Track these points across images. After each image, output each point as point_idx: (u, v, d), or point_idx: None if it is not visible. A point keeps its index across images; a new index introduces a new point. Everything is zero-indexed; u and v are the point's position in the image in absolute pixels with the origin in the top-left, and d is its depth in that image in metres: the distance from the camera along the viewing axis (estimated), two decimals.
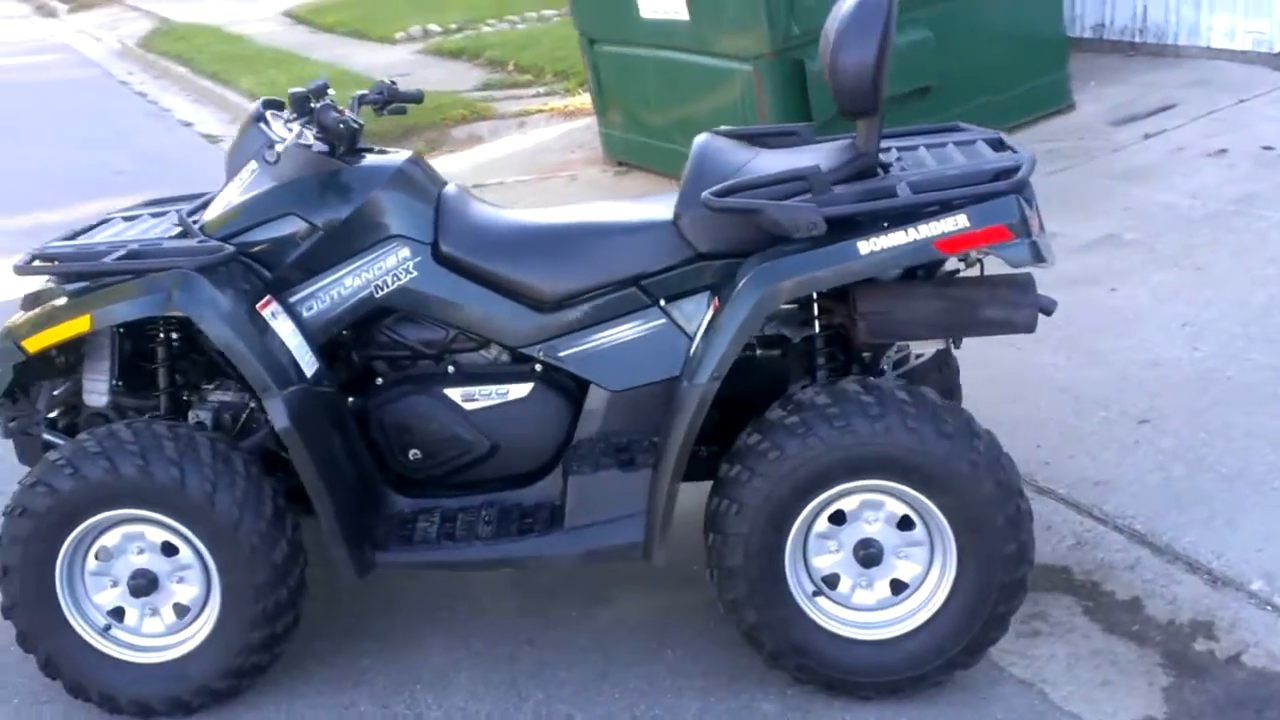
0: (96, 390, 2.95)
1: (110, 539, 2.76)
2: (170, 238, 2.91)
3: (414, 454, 2.95)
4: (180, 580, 2.78)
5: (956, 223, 2.55)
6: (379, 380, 3.01)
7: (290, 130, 2.93)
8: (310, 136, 2.87)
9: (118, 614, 2.82)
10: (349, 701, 2.89)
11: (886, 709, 2.77)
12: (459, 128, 8.63)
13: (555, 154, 7.69)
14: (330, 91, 3.00)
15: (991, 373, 4.12)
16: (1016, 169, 2.67)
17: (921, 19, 5.95)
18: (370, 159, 2.99)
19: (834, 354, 2.94)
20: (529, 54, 10.67)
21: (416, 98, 3.36)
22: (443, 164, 7.84)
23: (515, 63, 10.52)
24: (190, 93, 11.91)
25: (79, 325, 2.72)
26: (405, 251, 2.88)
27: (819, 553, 2.74)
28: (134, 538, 2.75)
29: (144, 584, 2.77)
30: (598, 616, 3.15)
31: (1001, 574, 2.66)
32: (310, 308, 2.89)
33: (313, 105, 2.89)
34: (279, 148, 2.86)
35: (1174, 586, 3.10)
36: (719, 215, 2.70)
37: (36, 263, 2.84)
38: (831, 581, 2.76)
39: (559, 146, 7.78)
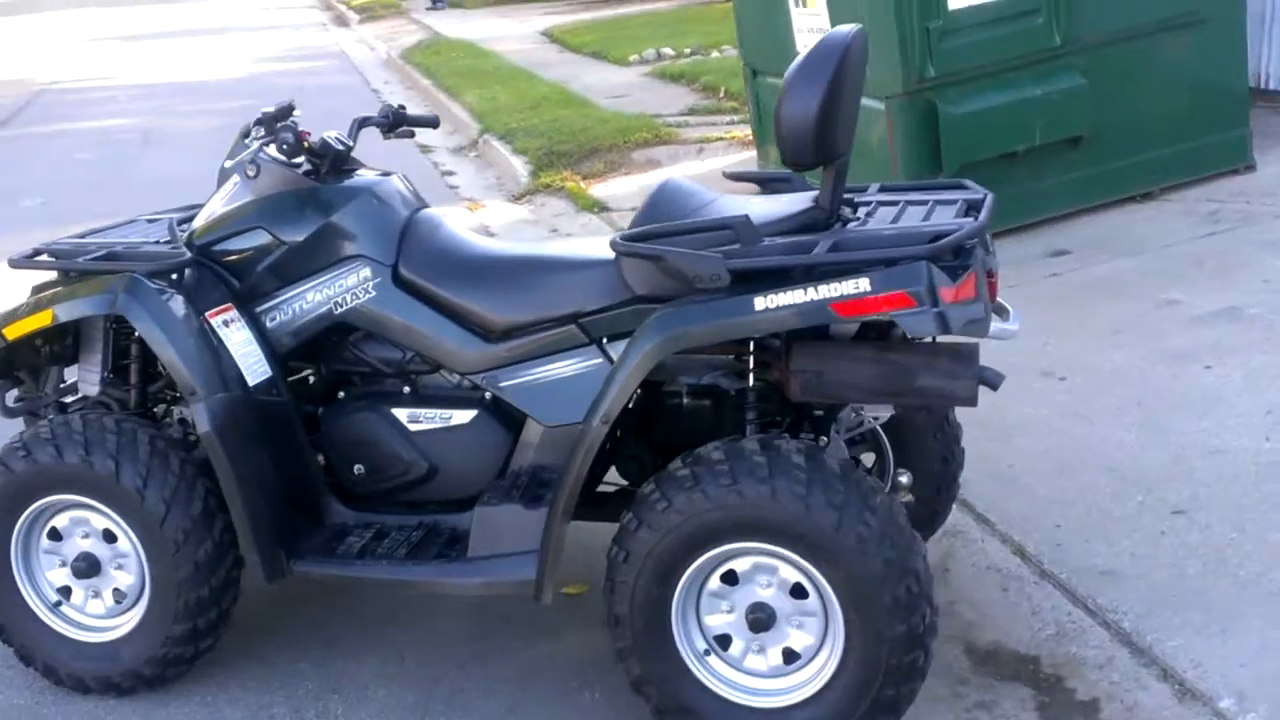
0: (89, 380, 3.17)
1: (60, 521, 2.96)
2: (153, 243, 3.09)
3: (358, 469, 3.03)
4: (119, 567, 2.95)
5: (857, 286, 2.43)
6: (340, 394, 3.11)
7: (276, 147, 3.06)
8: (290, 155, 2.98)
9: (66, 592, 3.01)
10: (268, 703, 2.99)
11: None
12: (640, 150, 8.75)
13: (715, 184, 7.66)
14: (296, 112, 3.11)
15: (1051, 444, 3.92)
16: (973, 234, 2.53)
17: (1075, 65, 5.66)
18: (351, 179, 3.09)
19: (767, 409, 2.85)
20: (738, 82, 10.69)
21: (430, 122, 3.46)
22: (610, 186, 8.01)
23: (726, 89, 10.56)
24: (427, 104, 12.50)
25: (43, 319, 2.93)
26: (366, 271, 2.97)
27: (711, 611, 2.67)
28: (80, 522, 2.94)
29: (85, 567, 2.95)
30: (537, 648, 3.14)
31: (889, 656, 2.51)
32: (274, 319, 3.02)
33: (277, 126, 3.01)
34: (258, 162, 3.01)
35: (1138, 693, 2.86)
36: (647, 259, 2.66)
37: (41, 257, 3.07)
38: (724, 642, 2.68)
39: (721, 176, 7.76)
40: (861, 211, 2.89)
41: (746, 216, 2.61)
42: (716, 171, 7.92)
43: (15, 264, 3.04)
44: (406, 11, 22.02)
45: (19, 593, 3.00)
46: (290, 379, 3.09)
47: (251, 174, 3.03)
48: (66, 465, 2.85)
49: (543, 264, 2.94)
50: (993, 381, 2.70)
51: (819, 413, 2.97)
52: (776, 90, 6.53)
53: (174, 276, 2.93)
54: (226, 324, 2.93)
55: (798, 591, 2.59)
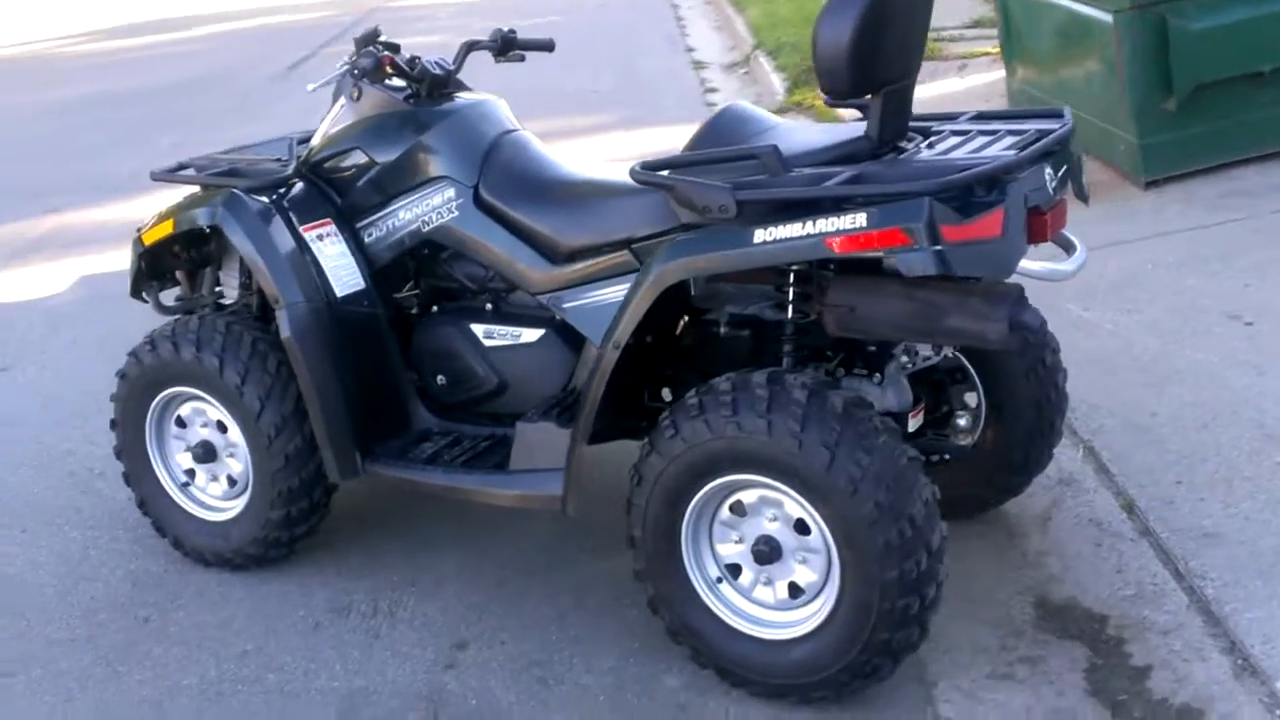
0: (231, 285, 3.50)
1: (185, 410, 3.31)
2: (274, 160, 3.35)
3: (440, 379, 3.22)
4: (231, 455, 3.28)
5: (854, 220, 2.38)
6: (433, 308, 3.30)
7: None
8: (368, 78, 3.16)
9: (191, 475, 3.38)
10: (353, 589, 3.25)
11: (782, 711, 2.69)
12: None
13: (970, 102, 7.35)
14: (381, 36, 3.26)
15: (1206, 394, 3.68)
16: (1005, 168, 2.42)
17: None
18: (447, 103, 3.24)
19: (809, 343, 2.83)
20: None
21: (544, 45, 3.54)
22: None
23: None
24: (715, 20, 12.54)
25: (166, 228, 3.26)
26: (450, 192, 3.12)
27: (723, 540, 2.70)
28: (200, 413, 3.28)
29: (203, 453, 3.29)
30: (601, 563, 3.23)
31: (881, 600, 2.48)
32: (371, 234, 3.23)
33: (372, 47, 3.18)
34: (360, 85, 3.21)
35: (1195, 664, 2.70)
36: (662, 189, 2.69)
37: (180, 172, 3.39)
38: (735, 571, 2.71)
39: (976, 96, 7.44)
40: (924, 142, 2.79)
41: (774, 147, 2.58)
42: (964, 93, 7.65)
43: (155, 176, 3.37)
44: None
45: (154, 472, 3.38)
46: (399, 293, 3.30)
47: (355, 96, 3.23)
48: (182, 360, 3.19)
49: (605, 189, 2.99)
50: (1030, 325, 2.58)
51: (872, 349, 2.91)
52: (1027, 5, 6.24)
53: (278, 192, 3.18)
54: (321, 238, 3.16)
55: (801, 527, 2.59)
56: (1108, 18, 5.26)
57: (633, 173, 2.69)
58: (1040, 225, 2.59)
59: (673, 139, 7.49)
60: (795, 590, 2.65)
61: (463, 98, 3.29)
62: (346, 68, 3.16)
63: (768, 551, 2.62)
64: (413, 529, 3.46)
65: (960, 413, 2.99)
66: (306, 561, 3.36)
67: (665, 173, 2.65)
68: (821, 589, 2.60)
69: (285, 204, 3.17)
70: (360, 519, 3.51)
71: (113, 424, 3.39)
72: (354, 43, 3.21)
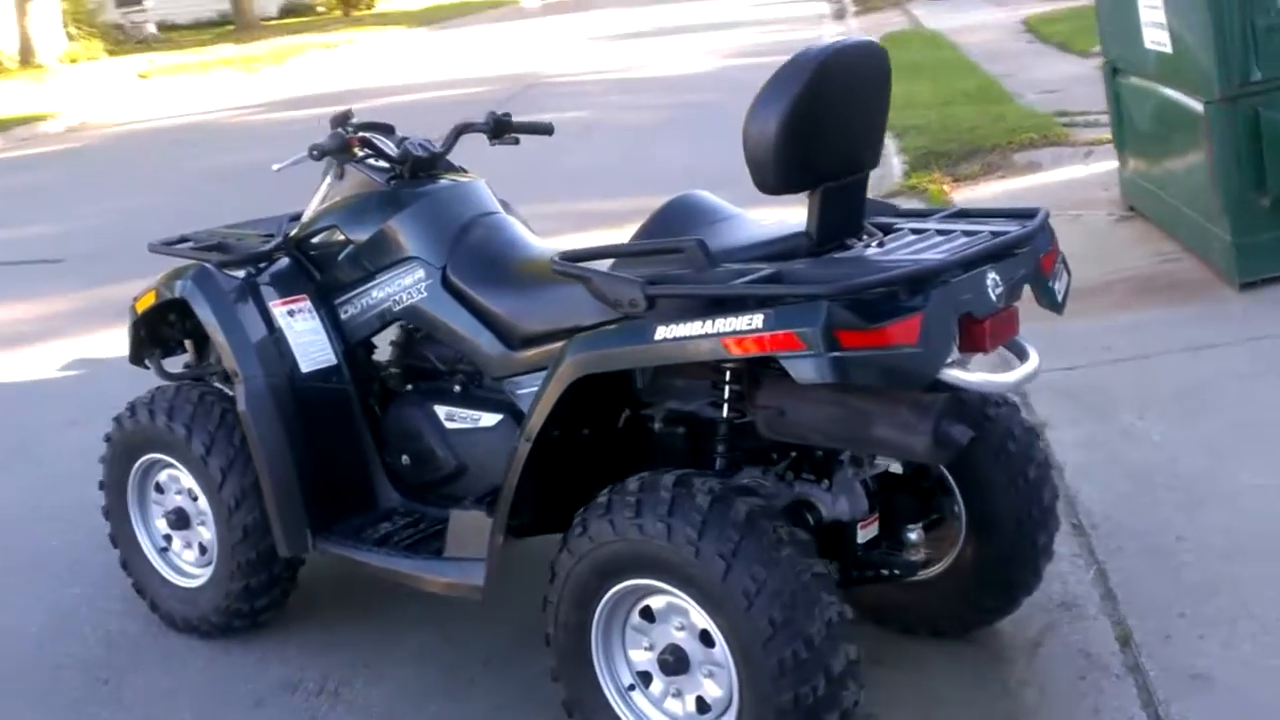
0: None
1: (163, 476, 3.37)
2: (264, 236, 3.40)
3: (405, 460, 3.20)
4: (201, 523, 3.31)
5: (750, 322, 2.27)
6: (408, 386, 3.29)
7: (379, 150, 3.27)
8: (326, 156, 3.19)
9: (169, 539, 3.42)
10: (308, 665, 3.22)
11: None
12: (1025, 152, 8.25)
13: (1085, 190, 7.10)
14: (352, 118, 3.28)
15: (1243, 522, 3.45)
16: (925, 273, 2.29)
17: None
18: (425, 184, 3.24)
19: (746, 444, 2.70)
20: None
21: (542, 129, 3.54)
22: (978, 189, 7.64)
23: None
24: None
25: (151, 298, 3.33)
26: (420, 273, 3.12)
27: (635, 646, 2.59)
28: (175, 479, 3.33)
29: (176, 519, 3.34)
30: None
31: None
32: (347, 312, 3.25)
33: (340, 129, 3.21)
34: (343, 166, 3.25)
35: None
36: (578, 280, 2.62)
37: (177, 245, 3.48)
38: (647, 680, 2.59)
39: (1097, 182, 7.16)
40: (876, 240, 2.66)
41: (699, 241, 2.49)
42: (1086, 180, 7.38)
43: (152, 248, 3.47)
44: (905, 2, 21.81)
45: (135, 535, 3.44)
46: (379, 372, 3.31)
47: (338, 175, 3.27)
48: (156, 427, 3.24)
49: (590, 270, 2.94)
50: (956, 440, 2.40)
51: (818, 453, 2.77)
52: (1135, 91, 5.98)
53: (258, 267, 3.23)
54: (292, 314, 3.19)
55: (707, 639, 2.45)
56: (1199, 107, 4.99)
57: (553, 262, 2.64)
58: (978, 334, 2.42)
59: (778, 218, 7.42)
60: (703, 705, 2.51)
61: (446, 179, 3.29)
62: (310, 149, 3.19)
63: (674, 662, 2.49)
64: (386, 608, 3.41)
65: (910, 527, 2.80)
66: (274, 633, 3.36)
67: (585, 264, 2.58)
68: (728, 706, 2.46)
69: (260, 279, 3.21)
70: (336, 594, 3.49)
71: (100, 485, 3.46)
72: (329, 123, 3.24)
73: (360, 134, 3.22)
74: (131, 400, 3.34)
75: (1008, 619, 3.13)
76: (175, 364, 3.63)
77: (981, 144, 8.52)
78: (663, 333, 2.37)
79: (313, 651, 3.28)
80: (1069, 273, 2.81)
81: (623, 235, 2.90)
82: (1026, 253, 2.59)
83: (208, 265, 3.20)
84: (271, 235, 3.37)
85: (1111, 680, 2.88)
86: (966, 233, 2.60)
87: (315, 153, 3.15)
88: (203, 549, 3.34)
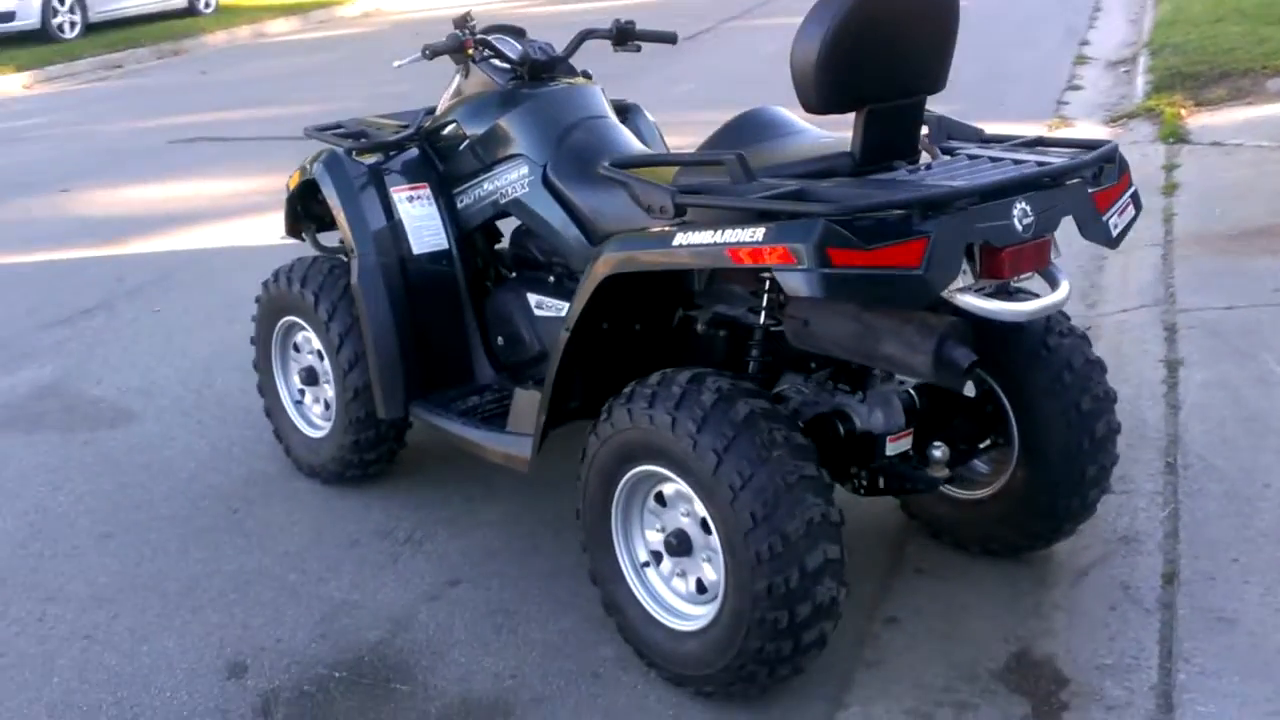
0: None
1: (299, 336, 3.75)
2: (403, 125, 3.68)
3: (499, 341, 3.47)
4: (327, 382, 3.68)
5: (753, 234, 2.38)
6: (512, 274, 3.54)
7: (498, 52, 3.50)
8: (437, 55, 3.42)
9: (303, 394, 3.82)
10: (402, 518, 3.58)
11: (684, 698, 2.76)
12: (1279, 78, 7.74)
13: None
14: (471, 21, 3.48)
15: None
16: (934, 199, 2.36)
17: None
18: (541, 85, 3.44)
19: (780, 350, 2.83)
20: None
21: (666, 38, 3.67)
22: (1218, 115, 7.29)
23: None
24: (1134, 10, 11.90)
25: (298, 177, 3.67)
26: (524, 169, 3.34)
27: (650, 527, 2.78)
28: (309, 340, 3.70)
29: (307, 376, 3.72)
30: None
31: (753, 610, 2.49)
32: (462, 201, 3.52)
33: (457, 31, 3.43)
34: (468, 64, 3.49)
35: None
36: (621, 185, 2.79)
37: (328, 133, 3.80)
38: (659, 559, 2.79)
39: None
40: (925, 163, 2.72)
41: (739, 155, 2.59)
42: None
43: (306, 133, 3.80)
44: None
45: (276, 387, 3.86)
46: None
47: (464, 74, 3.51)
48: (293, 294, 3.62)
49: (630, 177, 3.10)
50: (958, 361, 2.47)
51: (855, 365, 2.86)
52: None
53: (387, 155, 3.52)
54: (411, 199, 3.47)
55: (707, 526, 2.62)
56: None
57: (600, 169, 2.80)
58: (996, 263, 2.46)
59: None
60: (701, 586, 2.70)
61: (563, 83, 3.48)
62: (426, 50, 3.42)
63: (678, 545, 2.68)
64: (483, 475, 3.70)
65: (936, 445, 2.87)
66: (382, 485, 3.73)
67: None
68: (721, 589, 2.64)
69: (388, 166, 3.50)
70: (442, 457, 3.81)
71: (252, 340, 3.88)
72: (452, 23, 3.47)
73: (479, 36, 3.44)
74: (278, 268, 3.72)
75: (1065, 546, 3.17)
76: (332, 238, 3.98)
77: (1235, 67, 8.03)
78: (680, 239, 2.51)
79: (411, 505, 3.63)
80: (1137, 209, 2.78)
81: None
82: (1073, 185, 2.59)
83: (338, 150, 3.51)
84: (407, 126, 3.65)
85: (1141, 614, 2.89)
86: (1018, 161, 2.63)
87: (428, 53, 3.38)
88: (327, 404, 3.71)
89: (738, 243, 2.40)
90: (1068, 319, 3.04)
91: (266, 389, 3.89)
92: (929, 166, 2.69)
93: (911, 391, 2.96)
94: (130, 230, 6.79)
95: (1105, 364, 3.02)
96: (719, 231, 2.44)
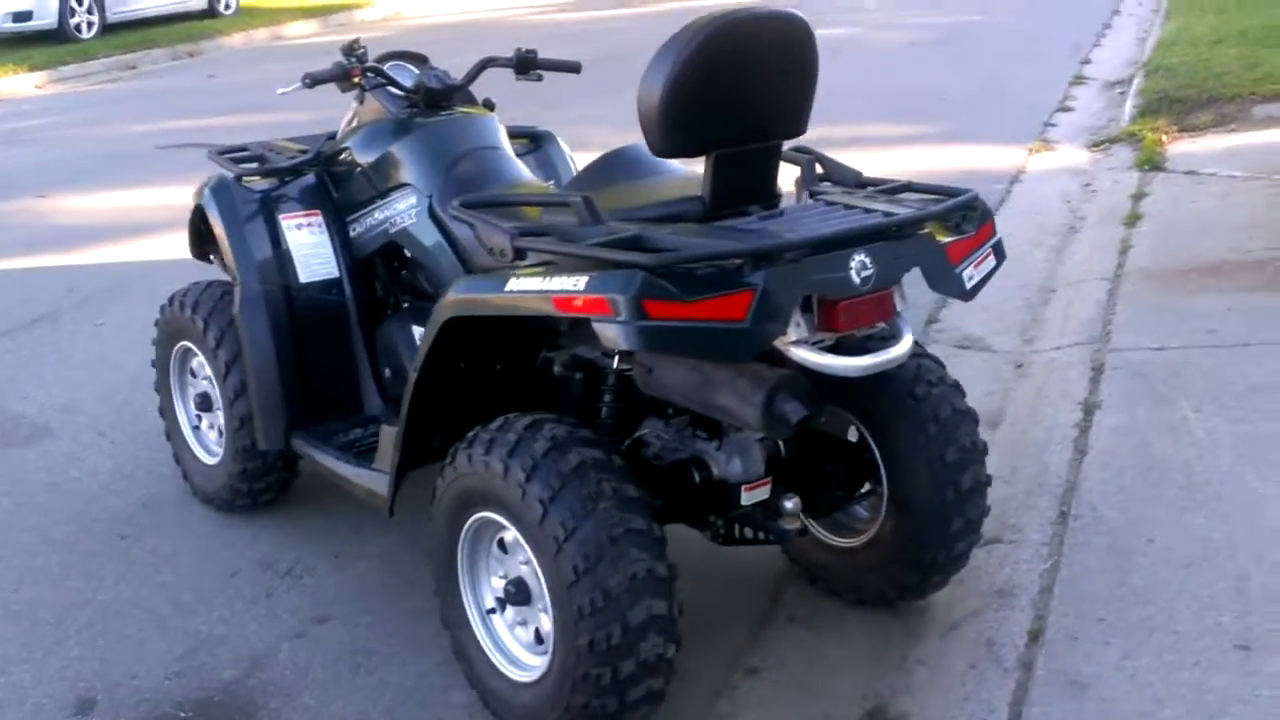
0: None
1: (194, 362, 3.74)
2: (300, 151, 3.66)
3: (386, 372, 3.45)
4: (218, 407, 3.67)
5: (575, 283, 2.35)
6: (404, 305, 3.52)
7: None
8: (316, 84, 3.40)
9: (200, 419, 3.82)
10: (287, 549, 3.57)
11: None
12: (1268, 105, 7.63)
13: None
14: (359, 49, 3.45)
15: (1219, 535, 3.24)
16: (761, 251, 2.31)
17: None
18: (435, 115, 3.41)
19: (631, 394, 2.80)
20: None
21: (568, 67, 3.63)
22: (1200, 143, 7.22)
23: None
24: (1141, 31, 11.80)
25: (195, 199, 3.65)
26: (412, 200, 3.32)
27: (495, 574, 2.76)
28: (202, 366, 3.69)
29: (200, 402, 3.72)
30: None
31: (575, 665, 2.45)
32: (354, 230, 3.50)
33: (343, 59, 3.41)
34: (366, 91, 3.47)
35: None
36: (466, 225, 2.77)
37: (235, 154, 3.79)
38: (501, 607, 2.76)
39: None
40: (779, 210, 2.68)
41: (585, 197, 2.57)
42: None
43: (209, 156, 3.79)
44: None
45: (174, 409, 3.86)
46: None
47: (360, 101, 3.50)
48: (184, 318, 3.62)
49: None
50: (788, 416, 2.44)
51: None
52: None
53: (280, 181, 3.50)
54: (300, 227, 3.46)
55: None
56: None
57: (449, 208, 2.77)
58: (831, 315, 2.42)
59: (966, 159, 7.20)
60: (539, 636, 2.66)
61: (457, 112, 3.45)
62: (304, 78, 3.40)
63: (516, 593, 2.64)
64: (374, 509, 3.68)
65: (787, 496, 2.82)
66: (277, 514, 3.72)
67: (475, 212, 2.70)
68: (550, 641, 2.60)
69: (281, 192, 3.48)
70: (337, 489, 3.78)
71: (153, 363, 3.88)
72: (340, 51, 3.45)
73: (369, 65, 3.42)
74: (174, 291, 3.71)
75: (942, 596, 3.13)
76: None
77: (1224, 93, 7.94)
78: (512, 284, 2.48)
79: (299, 536, 3.61)
80: (999, 259, 2.73)
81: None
82: (921, 236, 2.55)
83: (226, 177, 3.50)
84: (306, 151, 3.63)
85: (999, 673, 2.83)
86: (869, 210, 2.59)
87: (308, 81, 3.36)
88: (220, 431, 3.70)
89: (561, 290, 2.36)
90: (941, 367, 3.00)
91: (166, 413, 3.89)
92: (781, 213, 2.64)
93: (781, 443, 2.92)
94: (92, 238, 6.82)
95: (976, 414, 2.97)
96: (548, 278, 2.41)
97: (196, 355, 3.68)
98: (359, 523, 3.65)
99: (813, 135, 2.79)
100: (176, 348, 3.75)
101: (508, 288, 2.49)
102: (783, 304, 2.33)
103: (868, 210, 2.59)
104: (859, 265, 2.41)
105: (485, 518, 2.65)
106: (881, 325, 2.57)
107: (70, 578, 3.47)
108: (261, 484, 3.61)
